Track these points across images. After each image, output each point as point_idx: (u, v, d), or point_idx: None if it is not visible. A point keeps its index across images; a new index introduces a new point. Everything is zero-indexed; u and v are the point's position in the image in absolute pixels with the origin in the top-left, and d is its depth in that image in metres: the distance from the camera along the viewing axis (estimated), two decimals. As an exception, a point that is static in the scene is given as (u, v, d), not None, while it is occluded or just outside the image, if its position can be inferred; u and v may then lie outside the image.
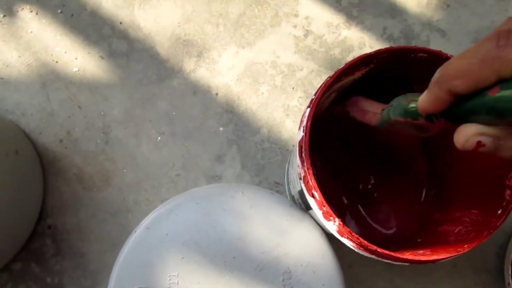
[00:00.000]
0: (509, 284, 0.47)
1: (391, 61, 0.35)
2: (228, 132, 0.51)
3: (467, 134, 0.21)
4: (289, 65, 0.53)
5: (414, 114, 0.27)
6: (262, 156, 0.51)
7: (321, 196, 0.30)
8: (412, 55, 0.33)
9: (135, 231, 0.37)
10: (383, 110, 0.33)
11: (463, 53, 0.21)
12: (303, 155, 0.31)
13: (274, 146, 0.51)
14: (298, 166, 0.32)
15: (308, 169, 0.30)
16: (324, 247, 0.37)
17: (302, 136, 0.31)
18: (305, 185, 0.31)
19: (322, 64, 0.53)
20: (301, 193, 0.38)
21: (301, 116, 0.51)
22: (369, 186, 0.45)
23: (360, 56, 0.32)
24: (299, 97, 0.52)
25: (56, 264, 0.49)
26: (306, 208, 0.38)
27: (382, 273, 0.49)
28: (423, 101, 0.24)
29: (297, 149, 0.32)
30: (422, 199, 0.45)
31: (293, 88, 0.53)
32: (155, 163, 0.51)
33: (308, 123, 0.31)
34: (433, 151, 0.46)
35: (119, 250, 0.47)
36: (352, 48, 0.54)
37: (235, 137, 0.51)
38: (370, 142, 0.46)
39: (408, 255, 0.29)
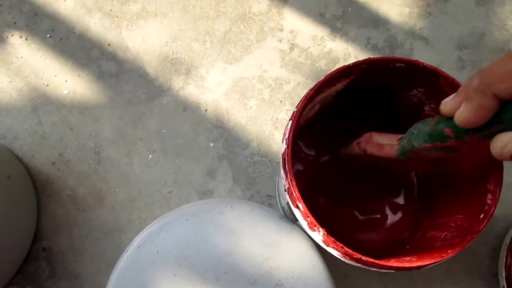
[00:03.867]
0: (503, 287, 0.47)
1: (370, 72, 0.35)
2: (219, 147, 0.52)
3: (505, 141, 0.20)
4: (276, 79, 0.54)
5: (442, 136, 0.25)
6: (253, 170, 0.51)
7: (305, 207, 0.30)
8: (391, 65, 0.34)
9: (127, 250, 0.37)
10: (399, 140, 0.32)
11: (504, 57, 0.20)
12: (286, 166, 0.31)
13: (265, 159, 0.52)
14: (283, 178, 0.32)
15: (291, 180, 0.31)
16: (315, 258, 0.37)
17: (285, 149, 0.32)
18: (289, 197, 0.32)
19: (309, 76, 0.54)
20: (288, 204, 0.39)
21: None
22: (357, 195, 0.46)
23: (339, 68, 0.33)
24: (287, 110, 0.53)
25: (51, 286, 0.49)
26: (294, 219, 0.39)
27: (376, 282, 0.49)
28: (463, 114, 0.22)
29: (281, 161, 0.32)
30: (410, 207, 0.45)
31: (281, 101, 0.53)
32: (147, 181, 0.51)
33: (290, 135, 0.32)
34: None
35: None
36: (337, 59, 0.55)
37: (225, 152, 0.52)
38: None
39: (393, 262, 0.30)
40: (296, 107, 0.33)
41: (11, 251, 0.46)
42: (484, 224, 0.30)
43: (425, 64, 0.33)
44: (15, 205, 0.45)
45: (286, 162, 0.31)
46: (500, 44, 0.55)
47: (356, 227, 0.45)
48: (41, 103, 0.53)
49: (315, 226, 0.30)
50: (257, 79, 0.54)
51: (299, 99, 0.53)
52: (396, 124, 0.45)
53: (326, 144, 0.48)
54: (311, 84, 0.54)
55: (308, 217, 0.30)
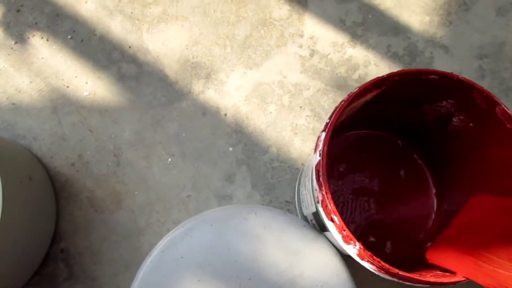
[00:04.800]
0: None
1: (402, 83, 0.35)
2: (238, 152, 0.52)
3: None
4: (296, 85, 0.54)
5: None
6: (271, 175, 0.51)
7: (340, 220, 0.30)
8: (424, 77, 0.34)
9: (150, 255, 0.37)
10: None
11: None
12: (321, 179, 0.31)
13: (284, 165, 0.52)
14: (316, 190, 0.32)
15: (326, 193, 0.30)
16: (339, 266, 0.37)
17: (319, 160, 0.31)
18: (323, 209, 0.31)
19: (328, 83, 0.54)
20: (315, 214, 0.38)
21: (310, 135, 0.52)
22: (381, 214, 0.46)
23: (373, 79, 0.33)
24: (307, 116, 0.53)
25: (68, 287, 0.49)
26: (321, 229, 0.38)
27: (395, 290, 0.48)
28: None
29: (314, 173, 0.32)
30: (431, 223, 0.45)
31: (300, 107, 0.53)
32: (166, 184, 0.51)
33: (325, 148, 0.31)
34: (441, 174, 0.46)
35: (131, 272, 0.47)
36: (357, 66, 0.55)
37: (244, 157, 0.52)
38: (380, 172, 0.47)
39: (429, 278, 0.30)
40: (329, 119, 0.33)
41: (30, 252, 0.46)
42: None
43: (460, 77, 0.32)
44: (35, 206, 0.45)
45: (320, 174, 0.31)
46: (521, 54, 0.55)
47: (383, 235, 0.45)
48: (61, 104, 0.53)
49: (351, 240, 0.30)
50: (277, 84, 0.54)
51: (319, 105, 0.53)
52: (420, 135, 0.45)
53: (348, 152, 0.48)
54: (330, 91, 0.54)
55: (344, 230, 0.30)
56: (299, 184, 0.47)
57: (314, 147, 0.51)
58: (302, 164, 0.52)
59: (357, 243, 0.30)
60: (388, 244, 0.44)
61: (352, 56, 0.55)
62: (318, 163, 0.31)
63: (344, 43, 0.55)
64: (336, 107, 0.33)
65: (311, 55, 0.55)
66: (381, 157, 0.48)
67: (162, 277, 0.36)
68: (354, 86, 0.54)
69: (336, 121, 0.32)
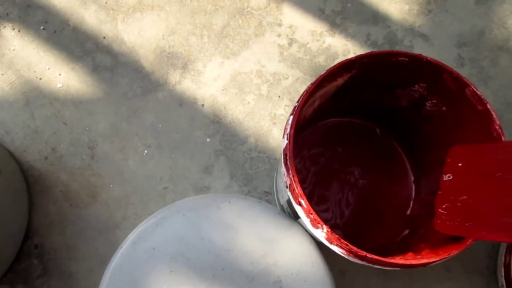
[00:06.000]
0: (502, 285, 0.46)
1: (372, 66, 0.35)
2: (216, 143, 0.51)
3: None
4: (274, 74, 0.53)
5: None
6: (250, 166, 0.51)
7: (307, 203, 0.29)
8: (393, 59, 0.33)
9: (121, 247, 0.36)
10: None
11: None
12: (288, 163, 0.30)
13: (262, 155, 0.51)
14: (284, 174, 0.32)
15: (293, 176, 0.30)
16: (314, 254, 0.36)
17: (286, 144, 0.31)
18: (291, 193, 0.31)
19: (307, 72, 0.54)
20: (289, 202, 0.38)
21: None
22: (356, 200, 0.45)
23: (342, 62, 0.33)
24: (286, 106, 0.52)
25: (43, 284, 0.48)
26: (295, 217, 0.38)
27: (375, 279, 0.48)
28: None
29: (282, 157, 0.31)
30: (409, 211, 0.45)
31: (279, 96, 0.53)
32: (143, 176, 0.50)
33: (292, 131, 0.31)
34: (420, 164, 0.46)
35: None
36: (336, 55, 0.54)
37: (222, 148, 0.51)
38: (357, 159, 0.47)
39: (398, 260, 0.29)
40: (297, 102, 0.32)
41: (2, 248, 0.45)
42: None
43: (429, 58, 0.32)
44: (6, 200, 0.44)
45: (288, 158, 0.30)
46: (500, 42, 0.55)
47: (356, 221, 0.45)
48: (34, 97, 0.52)
49: (318, 223, 0.29)
50: (255, 74, 0.53)
51: (298, 95, 0.53)
52: (395, 121, 0.45)
53: (325, 142, 0.47)
54: (310, 80, 0.53)
55: (311, 213, 0.29)
56: (276, 174, 0.47)
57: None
58: (281, 153, 0.51)
59: (324, 226, 0.29)
60: (367, 232, 0.44)
61: (331, 45, 0.55)
62: (286, 146, 0.31)
63: (323, 32, 0.55)
64: (304, 91, 0.33)
65: (290, 44, 0.54)
66: (359, 145, 0.47)
67: (134, 269, 0.36)
68: (333, 75, 0.53)
69: (304, 104, 0.32)
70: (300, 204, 0.30)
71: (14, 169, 0.48)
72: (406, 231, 0.44)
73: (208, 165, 0.50)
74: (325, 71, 0.33)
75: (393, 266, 0.29)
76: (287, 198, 0.38)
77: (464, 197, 0.33)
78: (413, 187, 0.46)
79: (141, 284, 0.35)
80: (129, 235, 0.37)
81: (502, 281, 0.47)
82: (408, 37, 0.55)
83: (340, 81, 0.36)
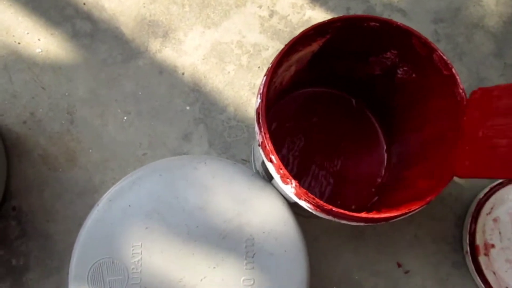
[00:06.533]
0: (467, 252, 0.49)
1: (345, 31, 0.36)
2: (195, 111, 0.52)
3: None
4: (255, 45, 0.54)
5: None
6: (229, 134, 0.51)
7: (278, 159, 0.30)
8: (365, 24, 0.34)
9: (98, 204, 0.37)
10: None
11: None
12: (260, 121, 0.31)
13: (241, 124, 0.52)
14: (257, 133, 0.32)
15: (265, 134, 0.31)
16: (286, 214, 0.38)
17: (259, 103, 0.32)
18: (263, 151, 0.32)
19: (287, 44, 0.54)
20: (263, 164, 0.39)
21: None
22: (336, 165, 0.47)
23: (314, 24, 0.33)
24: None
25: (21, 245, 0.48)
26: (269, 179, 0.39)
27: (346, 245, 0.50)
28: None
29: (255, 116, 0.32)
30: (380, 179, 0.46)
31: (259, 67, 0.53)
32: (122, 142, 0.51)
33: (264, 90, 0.32)
34: (392, 131, 0.47)
35: (85, 229, 0.47)
36: (316, 28, 0.55)
37: (202, 116, 0.52)
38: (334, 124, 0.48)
39: (362, 214, 0.31)
40: (271, 63, 0.33)
41: (-21, 208, 0.45)
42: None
43: (399, 23, 0.33)
44: (-17, 161, 0.44)
45: (260, 116, 0.31)
46: (475, 20, 0.57)
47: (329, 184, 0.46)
48: (12, 61, 0.52)
49: (287, 178, 0.30)
50: (236, 44, 0.54)
51: (277, 66, 0.53)
52: (369, 91, 0.46)
53: (302, 111, 0.48)
54: (289, 52, 0.54)
55: (281, 169, 0.30)
56: (254, 142, 0.48)
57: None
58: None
59: (293, 181, 0.30)
60: (341, 200, 0.45)
61: (311, 18, 0.55)
62: (259, 105, 0.32)
63: (303, 5, 0.55)
64: (278, 52, 0.34)
65: (271, 15, 0.55)
66: (335, 116, 0.48)
67: (110, 225, 0.36)
68: (313, 47, 0.54)
69: (277, 66, 0.33)
70: (271, 160, 0.31)
71: (-8, 132, 0.48)
72: (376, 198, 0.45)
73: (187, 132, 0.51)
74: (299, 33, 0.33)
75: (357, 220, 0.31)
76: (262, 160, 0.39)
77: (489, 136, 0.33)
78: (385, 156, 0.47)
79: (117, 239, 0.36)
80: (105, 193, 0.38)
81: (467, 248, 0.49)
82: (386, 12, 0.56)
83: (315, 46, 0.37)
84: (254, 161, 0.48)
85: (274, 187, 0.39)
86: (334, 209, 0.30)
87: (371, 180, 0.47)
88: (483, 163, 0.32)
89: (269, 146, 0.31)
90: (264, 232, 0.37)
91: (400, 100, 0.42)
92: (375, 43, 0.37)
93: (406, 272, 0.49)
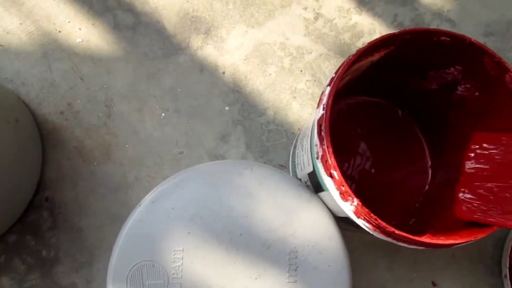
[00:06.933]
0: (506, 276, 0.47)
1: (411, 44, 0.34)
2: (234, 112, 0.51)
3: None
4: (298, 48, 0.52)
5: None
6: (267, 138, 0.50)
7: (340, 175, 0.29)
8: (435, 38, 0.32)
9: (140, 205, 0.36)
10: None
11: None
12: (323, 133, 0.30)
13: (280, 128, 0.51)
14: (316, 145, 0.31)
15: (328, 147, 0.30)
16: (332, 228, 0.36)
17: (322, 114, 0.30)
18: (323, 165, 0.30)
19: (331, 48, 0.53)
20: (311, 174, 0.38)
21: (309, 100, 0.51)
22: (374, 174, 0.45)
23: (383, 36, 0.32)
24: (307, 80, 0.52)
25: (52, 237, 0.48)
26: (316, 190, 0.38)
27: (381, 260, 0.49)
28: None
29: (316, 127, 0.31)
30: (422, 197, 0.45)
31: (301, 71, 0.52)
32: (158, 139, 0.50)
33: (329, 101, 0.30)
34: (438, 142, 0.45)
35: (117, 226, 0.46)
36: (362, 34, 0.53)
37: (240, 117, 0.51)
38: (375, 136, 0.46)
39: (425, 239, 0.29)
40: (335, 73, 0.32)
41: (13, 198, 0.44)
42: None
43: (472, 40, 0.31)
44: (21, 150, 0.44)
45: (322, 128, 0.30)
46: (527, 35, 0.54)
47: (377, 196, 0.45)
48: (52, 50, 0.51)
49: (349, 196, 0.29)
50: (279, 46, 0.52)
51: (321, 71, 0.52)
52: (419, 104, 0.44)
53: (346, 119, 0.47)
54: (333, 57, 0.53)
55: (342, 186, 0.29)
56: (294, 147, 0.47)
57: (314, 109, 0.50)
58: (299, 129, 0.51)
59: (355, 199, 0.29)
60: (381, 214, 0.44)
61: (357, 23, 0.54)
62: (321, 117, 0.30)
63: (350, 9, 0.54)
64: (343, 62, 0.32)
65: (316, 18, 0.53)
66: (379, 126, 0.47)
67: (151, 227, 0.36)
68: (357, 54, 0.53)
69: (342, 77, 0.31)
70: (331, 176, 0.30)
71: (30, 121, 0.47)
72: (417, 215, 0.44)
73: (225, 133, 0.50)
74: (366, 44, 0.32)
75: (419, 245, 0.29)
76: (310, 170, 0.38)
77: (488, 185, 0.33)
78: (430, 172, 0.46)
79: (159, 242, 0.35)
80: (148, 195, 0.37)
81: (506, 271, 0.47)
82: (435, 21, 0.54)
83: (376, 57, 0.36)
84: (293, 166, 0.47)
85: (320, 199, 0.38)
86: (396, 231, 0.29)
87: (413, 196, 0.45)
88: (481, 209, 0.32)
89: (332, 160, 0.29)
90: (308, 245, 0.36)
91: (455, 116, 0.40)
92: (439, 58, 0.35)
93: (442, 292, 0.48)
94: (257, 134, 0.50)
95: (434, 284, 0.48)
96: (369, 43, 0.32)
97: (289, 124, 0.51)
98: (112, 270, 0.35)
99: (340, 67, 0.32)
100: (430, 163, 0.46)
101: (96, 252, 0.47)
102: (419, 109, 0.45)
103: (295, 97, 0.51)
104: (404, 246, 0.47)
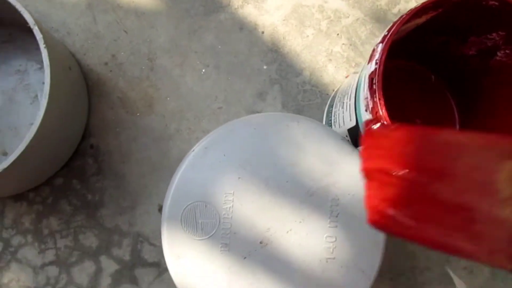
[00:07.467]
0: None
1: (458, 8, 0.36)
2: (272, 71, 0.52)
3: None
4: (336, 11, 0.54)
5: None
6: (302, 98, 0.52)
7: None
8: (484, 3, 0.34)
9: (193, 150, 0.39)
10: None
11: None
12: (375, 86, 0.32)
13: (315, 89, 0.53)
14: (366, 98, 0.33)
15: (379, 99, 0.32)
16: (371, 180, 0.39)
17: (375, 68, 0.32)
18: (372, 116, 0.33)
19: (368, 14, 0.54)
20: (353, 129, 0.40)
21: (343, 63, 0.52)
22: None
23: (435, -4, 0.33)
24: (343, 44, 0.53)
25: (96, 182, 0.50)
26: (356, 145, 0.40)
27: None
28: None
29: (367, 81, 0.33)
30: None
31: (337, 34, 0.53)
32: (198, 94, 0.52)
33: (383, 56, 0.32)
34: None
35: (158, 174, 0.49)
36: (398, 0, 0.55)
37: (278, 77, 0.52)
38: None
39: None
40: (388, 31, 0.34)
41: (63, 143, 0.47)
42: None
43: (522, 4, 0.33)
44: (72, 98, 0.46)
45: (374, 82, 0.32)
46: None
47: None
48: (97, 1, 0.52)
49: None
50: (317, 8, 0.54)
51: (356, 35, 0.54)
52: (453, 69, 0.46)
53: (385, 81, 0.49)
54: (369, 22, 0.54)
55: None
56: (330, 106, 0.49)
57: (348, 72, 0.52)
58: (333, 90, 0.53)
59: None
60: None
61: (394, -11, 0.55)
62: (374, 71, 0.32)
63: (388, -25, 0.55)
64: (396, 21, 0.34)
65: (354, -18, 0.54)
66: (411, 89, 0.49)
67: (204, 171, 0.38)
68: (393, 20, 0.54)
69: (395, 34, 0.33)
70: (381, 125, 0.32)
71: (78, 69, 0.49)
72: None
73: (262, 91, 0.52)
74: (419, 4, 0.34)
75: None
76: (352, 126, 0.40)
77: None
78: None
79: (211, 186, 0.38)
80: (201, 140, 0.39)
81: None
82: (470, -8, 0.55)
83: (423, 19, 0.37)
84: (328, 125, 0.49)
85: (360, 153, 0.40)
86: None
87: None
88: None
89: (383, 111, 0.32)
90: (349, 195, 0.39)
91: (489, 82, 0.42)
92: (485, 22, 0.37)
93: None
94: (293, 93, 0.52)
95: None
96: (422, 3, 0.34)
97: (324, 85, 0.53)
98: (167, 209, 0.38)
99: (393, 25, 0.34)
100: (459, 127, 0.48)
101: (138, 198, 0.50)
102: (452, 75, 0.47)
103: (330, 60, 0.53)
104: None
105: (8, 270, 0.50)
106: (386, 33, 0.34)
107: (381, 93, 0.32)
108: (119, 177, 0.50)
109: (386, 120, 0.32)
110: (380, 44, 0.33)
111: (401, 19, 0.34)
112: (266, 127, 0.39)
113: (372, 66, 0.33)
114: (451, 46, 0.43)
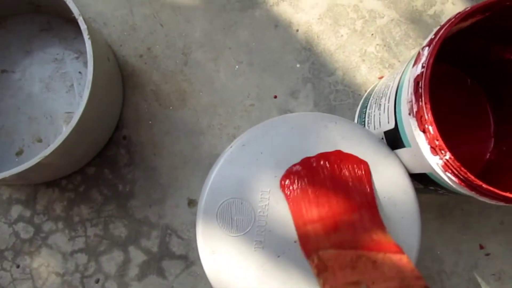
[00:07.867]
0: (549, 246, 0.50)
1: (505, 12, 0.35)
2: (305, 70, 0.52)
3: None
4: (371, 11, 0.53)
5: None
6: (334, 97, 0.52)
7: (435, 129, 0.31)
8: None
9: (231, 146, 0.39)
10: None
11: None
12: (421, 90, 0.32)
13: (347, 89, 0.52)
14: (410, 101, 0.33)
15: (426, 103, 0.31)
16: (407, 183, 0.39)
17: (422, 72, 0.32)
18: (417, 120, 0.33)
19: (403, 15, 0.54)
20: (390, 132, 0.40)
21: (377, 64, 0.52)
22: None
23: (485, 1, 0.33)
24: (377, 44, 0.53)
25: (128, 173, 0.51)
26: (392, 147, 0.40)
27: (432, 222, 0.51)
28: None
29: (412, 85, 0.33)
30: (488, 155, 0.47)
31: (372, 34, 0.53)
32: (231, 90, 0.52)
33: (430, 60, 0.32)
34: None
35: (189, 168, 0.49)
36: (434, 1, 0.54)
37: (310, 75, 0.52)
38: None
39: (509, 194, 0.31)
40: (435, 35, 0.33)
41: (99, 132, 0.47)
42: None
43: None
44: (110, 88, 0.46)
45: (421, 85, 0.32)
46: None
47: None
48: (134, -6, 0.52)
49: (442, 150, 0.31)
50: (352, 8, 0.53)
51: (391, 36, 0.53)
52: (491, 74, 0.46)
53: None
54: (404, 23, 0.53)
55: (437, 140, 0.31)
56: (363, 107, 0.49)
57: (382, 73, 0.52)
58: (365, 91, 0.52)
59: (447, 153, 0.31)
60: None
61: (431, -9, 0.54)
62: (420, 74, 0.32)
63: (425, -24, 0.54)
64: (444, 24, 0.34)
65: (391, -17, 0.54)
66: (446, 91, 0.48)
67: (241, 168, 0.38)
68: (428, 22, 0.54)
69: (443, 38, 0.33)
70: (424, 131, 0.32)
71: (115, 60, 0.49)
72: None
73: (295, 90, 0.52)
74: (468, 8, 0.33)
75: (506, 201, 0.32)
76: (389, 128, 0.40)
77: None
78: (492, 141, 0.48)
79: (247, 183, 0.38)
80: (238, 137, 0.39)
81: (550, 242, 0.50)
82: (509, -4, 0.55)
83: (468, 22, 0.37)
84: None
85: (397, 155, 0.40)
86: (484, 185, 0.31)
87: (473, 163, 0.48)
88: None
89: (429, 116, 0.31)
90: (385, 197, 0.39)
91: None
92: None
93: (487, 255, 0.51)
94: (325, 93, 0.52)
95: (481, 247, 0.51)
96: (471, 7, 0.33)
97: (356, 85, 0.53)
98: (203, 204, 0.38)
99: (441, 28, 0.33)
100: (493, 131, 0.48)
101: (169, 191, 0.51)
102: (490, 79, 0.47)
103: (364, 60, 0.53)
104: (456, 211, 0.50)
105: (38, 255, 0.51)
106: (433, 37, 0.33)
107: (428, 97, 0.32)
108: (150, 169, 0.51)
109: (431, 124, 0.32)
110: (427, 47, 0.33)
111: (449, 22, 0.33)
112: (304, 127, 0.39)
113: (418, 69, 0.33)
114: (491, 50, 0.43)
